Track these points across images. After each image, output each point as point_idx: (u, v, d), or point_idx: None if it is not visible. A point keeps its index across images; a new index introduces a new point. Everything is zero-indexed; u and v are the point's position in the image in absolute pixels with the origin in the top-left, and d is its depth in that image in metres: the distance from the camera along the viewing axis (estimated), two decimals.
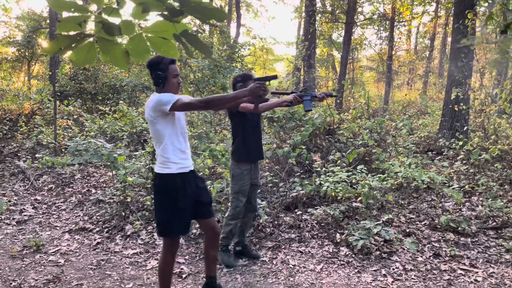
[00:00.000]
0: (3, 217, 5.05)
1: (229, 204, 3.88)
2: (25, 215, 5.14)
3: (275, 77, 2.68)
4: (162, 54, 1.14)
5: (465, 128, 7.95)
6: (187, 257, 3.98)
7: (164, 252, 2.89)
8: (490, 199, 5.02)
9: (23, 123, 9.46)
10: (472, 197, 5.48)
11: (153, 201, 2.92)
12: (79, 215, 5.16)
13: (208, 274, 3.14)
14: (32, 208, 5.42)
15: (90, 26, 1.00)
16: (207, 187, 3.08)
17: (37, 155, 7.22)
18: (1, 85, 12.06)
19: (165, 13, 0.96)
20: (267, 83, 2.71)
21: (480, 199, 5.34)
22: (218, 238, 3.10)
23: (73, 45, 1.00)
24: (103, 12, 0.96)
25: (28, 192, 6.12)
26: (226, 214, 3.86)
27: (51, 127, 9.04)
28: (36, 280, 3.52)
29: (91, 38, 1.02)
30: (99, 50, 1.06)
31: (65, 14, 1.00)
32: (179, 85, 2.85)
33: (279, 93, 3.80)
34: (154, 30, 1.07)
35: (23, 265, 3.80)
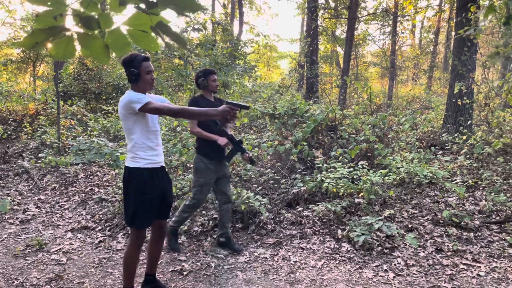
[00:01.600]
0: (6, 216, 5.09)
1: (190, 195, 3.97)
2: (29, 215, 5.17)
3: (247, 107, 2.75)
4: (142, 47, 1.14)
5: (469, 122, 7.89)
6: (188, 255, 3.98)
7: (130, 244, 2.99)
8: (493, 193, 4.98)
9: (28, 124, 9.53)
10: (476, 192, 5.44)
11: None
12: (82, 214, 5.19)
13: (150, 272, 3.25)
14: (36, 208, 5.46)
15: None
16: (172, 189, 3.19)
17: (40, 155, 7.26)
18: (6, 86, 12.13)
19: (142, 5, 0.96)
20: (238, 110, 2.76)
21: (484, 193, 5.30)
22: (164, 239, 3.23)
23: (50, 39, 1.01)
24: (81, 6, 0.96)
25: (32, 191, 6.16)
26: (187, 202, 3.97)
27: (55, 127, 9.09)
28: (38, 278, 3.55)
29: (69, 32, 1.02)
30: (79, 44, 1.06)
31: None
32: (153, 81, 2.94)
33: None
34: (133, 23, 1.07)
35: (26, 264, 3.83)
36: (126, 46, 1.09)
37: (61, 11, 0.96)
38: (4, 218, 5.05)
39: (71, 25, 1.01)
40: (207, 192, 3.92)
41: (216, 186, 4.02)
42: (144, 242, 3.04)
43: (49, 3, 0.93)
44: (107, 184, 6.40)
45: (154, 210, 2.98)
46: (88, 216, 5.09)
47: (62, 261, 3.89)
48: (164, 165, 3.07)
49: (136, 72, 2.86)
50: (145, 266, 3.73)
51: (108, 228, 4.65)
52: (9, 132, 9.34)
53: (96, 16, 0.98)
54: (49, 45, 1.03)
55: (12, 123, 9.99)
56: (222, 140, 3.73)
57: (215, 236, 4.35)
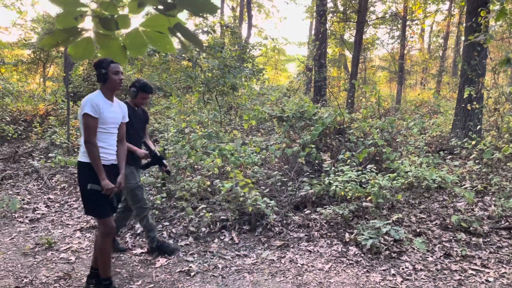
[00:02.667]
0: (16, 215, 5.14)
1: (131, 204, 3.92)
2: (38, 214, 5.23)
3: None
4: (158, 49, 1.16)
5: (478, 127, 7.83)
6: (195, 256, 4.00)
7: (99, 234, 3.17)
8: (503, 199, 4.94)
9: (38, 124, 9.63)
10: (485, 197, 5.40)
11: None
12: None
13: (96, 266, 3.32)
14: (45, 207, 5.51)
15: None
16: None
17: (50, 155, 7.33)
18: (17, 86, 12.28)
19: (160, 7, 0.98)
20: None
21: (493, 198, 5.26)
22: (113, 234, 3.30)
23: (70, 39, 1.03)
24: (100, 7, 0.98)
25: (41, 191, 6.22)
26: (134, 213, 3.95)
27: (64, 127, 9.18)
28: (47, 277, 3.58)
29: (88, 33, 1.04)
30: (97, 45, 1.09)
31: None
32: (121, 82, 3.14)
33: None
34: (150, 24, 1.09)
35: (35, 262, 3.87)
36: (142, 47, 1.11)
37: (81, 12, 0.98)
38: (14, 216, 5.11)
39: (89, 25, 1.03)
40: (142, 193, 3.90)
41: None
42: (112, 230, 3.16)
43: (70, 4, 0.95)
44: None
45: (110, 200, 3.11)
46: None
47: (71, 260, 3.93)
48: (116, 163, 3.21)
49: (104, 72, 3.08)
50: (156, 266, 3.76)
51: None
52: (20, 132, 9.45)
53: (115, 17, 1.01)
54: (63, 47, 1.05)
55: (23, 123, 10.10)
56: (140, 152, 3.84)
57: (222, 238, 4.36)
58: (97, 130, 3.04)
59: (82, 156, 3.07)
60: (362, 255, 3.96)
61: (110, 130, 3.13)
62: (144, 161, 4.00)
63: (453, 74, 21.49)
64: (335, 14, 16.97)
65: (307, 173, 5.62)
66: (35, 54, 18.50)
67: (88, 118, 2.96)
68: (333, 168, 5.37)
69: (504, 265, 3.77)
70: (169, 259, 3.93)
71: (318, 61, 14.13)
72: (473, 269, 3.69)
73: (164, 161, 4.01)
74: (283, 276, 3.60)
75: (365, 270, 3.71)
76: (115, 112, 3.16)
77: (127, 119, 3.36)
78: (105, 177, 3.01)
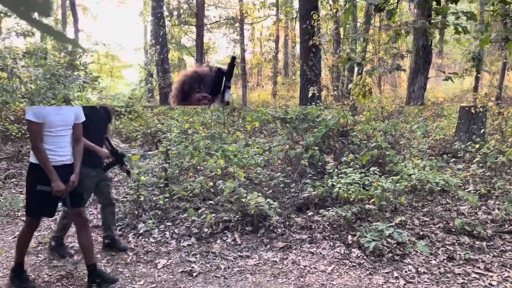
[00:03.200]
0: (19, 214, 5.15)
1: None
2: None
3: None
4: None
5: (482, 130, 7.81)
6: (198, 256, 3.99)
7: (24, 227, 3.39)
8: (506, 203, 4.92)
9: None
10: (488, 201, 5.38)
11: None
12: (93, 213, 5.23)
13: (89, 263, 3.35)
14: None
15: None
16: (82, 181, 3.36)
17: None
18: None
19: None
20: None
21: (497, 202, 5.24)
22: (87, 225, 3.41)
23: None
24: None
25: None
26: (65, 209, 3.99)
27: None
28: (49, 275, 3.59)
29: None
30: None
31: None
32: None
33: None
34: None
35: (38, 261, 3.87)
36: None
37: None
38: (16, 215, 5.12)
39: None
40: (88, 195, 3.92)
41: (98, 189, 4.05)
42: (36, 229, 3.46)
43: None
44: (119, 184, 6.45)
45: (51, 203, 3.21)
46: (99, 216, 5.11)
47: (74, 258, 3.93)
48: (69, 163, 3.22)
49: None
50: (158, 266, 3.76)
51: (118, 228, 4.67)
52: (23, 131, 9.47)
53: None
54: None
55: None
56: (103, 153, 3.81)
57: (225, 238, 4.36)
58: (45, 134, 3.06)
59: (32, 157, 3.14)
60: (365, 257, 3.95)
61: (59, 133, 3.14)
62: (106, 161, 3.92)
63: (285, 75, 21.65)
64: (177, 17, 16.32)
65: (310, 175, 5.61)
66: None
67: (31, 124, 3.02)
68: (336, 170, 5.35)
69: (507, 269, 3.75)
70: (172, 259, 3.92)
71: (161, 66, 13.80)
72: (476, 273, 3.68)
73: (124, 160, 4.00)
74: (285, 278, 3.59)
75: (367, 272, 3.70)
76: (64, 114, 3.16)
77: (82, 119, 3.31)
78: (56, 178, 3.05)
